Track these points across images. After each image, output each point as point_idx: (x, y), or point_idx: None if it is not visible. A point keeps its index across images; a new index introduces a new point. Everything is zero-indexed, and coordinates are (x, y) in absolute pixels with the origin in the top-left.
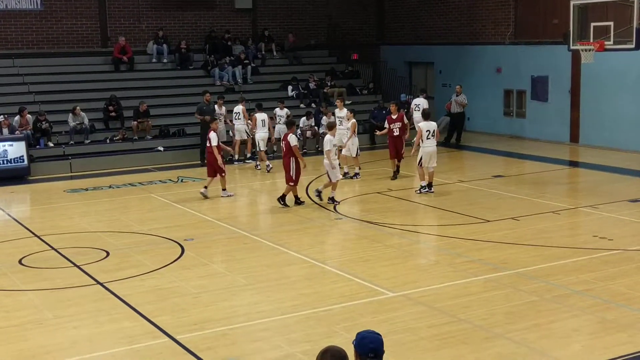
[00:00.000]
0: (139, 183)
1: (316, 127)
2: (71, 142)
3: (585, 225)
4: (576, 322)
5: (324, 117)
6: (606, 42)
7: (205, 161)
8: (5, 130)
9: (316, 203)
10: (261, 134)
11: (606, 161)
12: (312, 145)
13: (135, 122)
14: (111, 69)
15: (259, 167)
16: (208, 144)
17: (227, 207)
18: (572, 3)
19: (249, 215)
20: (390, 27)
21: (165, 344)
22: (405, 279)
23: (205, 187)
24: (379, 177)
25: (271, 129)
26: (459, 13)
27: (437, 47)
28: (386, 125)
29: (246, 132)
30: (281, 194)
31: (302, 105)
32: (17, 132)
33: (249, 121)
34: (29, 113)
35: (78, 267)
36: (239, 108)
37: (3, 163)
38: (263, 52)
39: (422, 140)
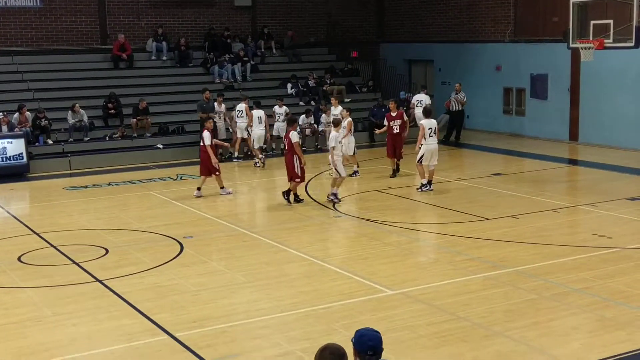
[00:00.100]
0: (138, 180)
1: (315, 125)
2: (70, 139)
3: (584, 224)
4: (575, 320)
5: (323, 115)
6: (606, 40)
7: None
8: (4, 128)
9: (334, 202)
10: (257, 131)
11: (605, 159)
12: (312, 143)
13: (135, 120)
14: (110, 67)
15: (257, 165)
16: (202, 143)
17: (227, 204)
18: (571, 1)
19: (248, 213)
20: (390, 25)
21: (164, 341)
22: (404, 276)
23: (199, 189)
24: (378, 175)
25: (267, 126)
26: (459, 11)
27: (436, 44)
28: (385, 122)
29: (247, 130)
30: (286, 189)
31: (301, 103)
32: (16, 129)
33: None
34: (28, 110)
35: (77, 264)
36: (241, 106)
37: (2, 160)
38: (262, 50)
39: (424, 137)
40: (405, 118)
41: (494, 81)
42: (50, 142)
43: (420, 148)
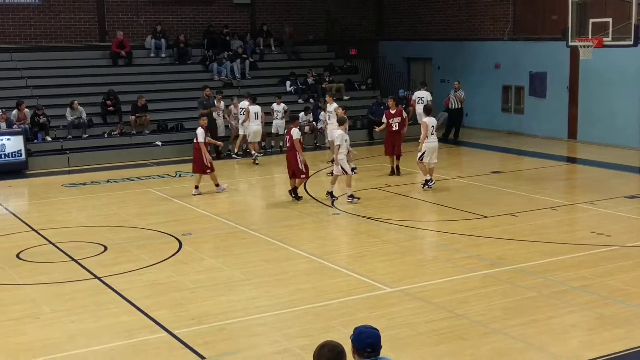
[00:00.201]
0: (137, 177)
1: (314, 123)
2: (69, 136)
3: (583, 222)
4: (574, 318)
5: (322, 113)
6: (605, 39)
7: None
8: (3, 125)
9: (351, 201)
10: (253, 127)
11: (604, 157)
12: (310, 140)
13: (133, 117)
14: (109, 64)
15: (256, 162)
16: (195, 140)
17: (225, 202)
18: None
19: (247, 210)
20: (389, 23)
21: (162, 338)
22: (403, 274)
23: (197, 187)
24: (376, 173)
25: (263, 122)
26: (458, 9)
27: (435, 42)
28: (384, 120)
29: (243, 125)
30: (292, 188)
31: (300, 101)
32: (14, 126)
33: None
34: (27, 107)
35: (76, 261)
36: (244, 104)
37: (1, 157)
38: (261, 47)
39: (427, 135)
40: (404, 115)
41: (493, 79)
42: (48, 139)
43: (423, 146)
